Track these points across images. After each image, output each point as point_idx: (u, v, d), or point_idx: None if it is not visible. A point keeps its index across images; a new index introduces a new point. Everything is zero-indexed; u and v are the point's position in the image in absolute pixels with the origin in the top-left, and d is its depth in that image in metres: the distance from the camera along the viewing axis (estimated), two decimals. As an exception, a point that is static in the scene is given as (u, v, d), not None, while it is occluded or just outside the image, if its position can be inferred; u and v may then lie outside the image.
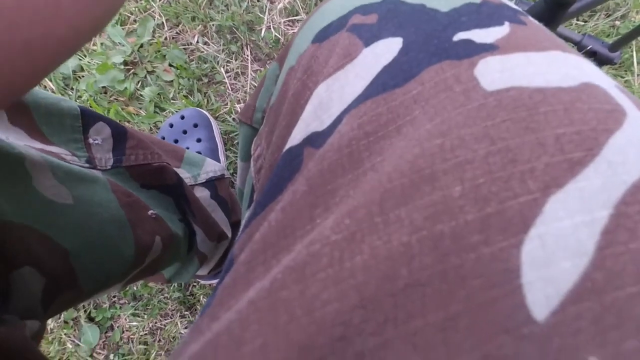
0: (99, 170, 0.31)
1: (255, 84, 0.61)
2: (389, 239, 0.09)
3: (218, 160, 0.56)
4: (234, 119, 0.60)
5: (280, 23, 0.62)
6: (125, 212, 0.30)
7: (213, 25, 0.62)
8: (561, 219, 0.09)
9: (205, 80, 0.62)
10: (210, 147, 0.56)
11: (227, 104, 0.61)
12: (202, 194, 0.44)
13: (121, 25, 0.62)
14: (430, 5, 0.14)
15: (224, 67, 0.62)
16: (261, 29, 0.62)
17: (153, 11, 0.63)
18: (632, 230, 0.08)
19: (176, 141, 0.56)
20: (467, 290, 0.08)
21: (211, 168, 0.47)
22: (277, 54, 0.22)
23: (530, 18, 0.14)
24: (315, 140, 0.13)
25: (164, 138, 0.56)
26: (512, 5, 0.14)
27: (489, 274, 0.08)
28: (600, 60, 0.58)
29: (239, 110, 0.60)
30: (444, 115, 0.11)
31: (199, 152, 0.55)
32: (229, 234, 0.48)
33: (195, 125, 0.56)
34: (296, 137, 0.14)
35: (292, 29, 0.62)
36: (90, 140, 0.31)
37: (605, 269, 0.08)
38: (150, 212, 0.33)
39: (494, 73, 0.11)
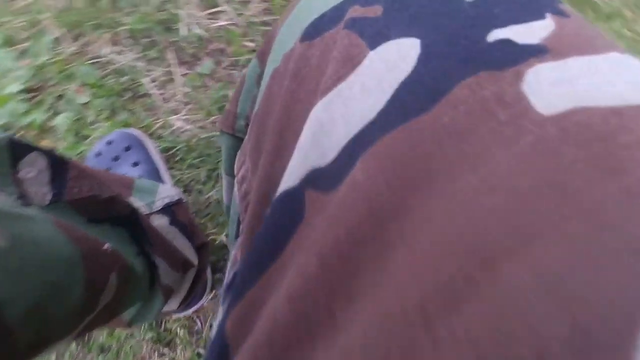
0: (37, 207, 0.27)
1: (189, 89, 0.55)
2: None
3: (162, 182, 0.51)
4: (170, 132, 0.54)
5: (200, 17, 0.56)
6: (78, 247, 0.26)
7: (123, 30, 0.55)
8: None
9: (128, 94, 0.54)
10: (150, 169, 0.50)
11: (159, 118, 0.55)
12: (159, 221, 0.41)
13: (9, 47, 0.53)
14: None
15: (146, 77, 0.55)
16: (179, 28, 0.56)
17: (45, 24, 0.54)
18: None
19: (108, 170, 0.50)
20: None
21: (166, 193, 0.43)
22: (259, 50, 0.18)
23: (568, 5, 0.11)
24: (318, 180, 0.10)
25: None
26: None
27: None
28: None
29: (173, 123, 0.54)
30: (492, 162, 0.08)
31: (141, 178, 0.49)
32: (195, 261, 0.44)
33: (128, 149, 0.50)
34: (293, 174, 0.11)
35: (214, 22, 0.56)
36: (21, 175, 0.27)
37: None
38: (106, 246, 0.30)
39: (549, 88, 0.08)
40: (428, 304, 0.07)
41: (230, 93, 0.55)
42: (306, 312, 0.09)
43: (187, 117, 0.55)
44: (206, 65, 0.55)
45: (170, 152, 0.54)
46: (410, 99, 0.09)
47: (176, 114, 0.55)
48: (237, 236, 0.16)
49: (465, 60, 0.09)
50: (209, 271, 0.53)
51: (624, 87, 0.08)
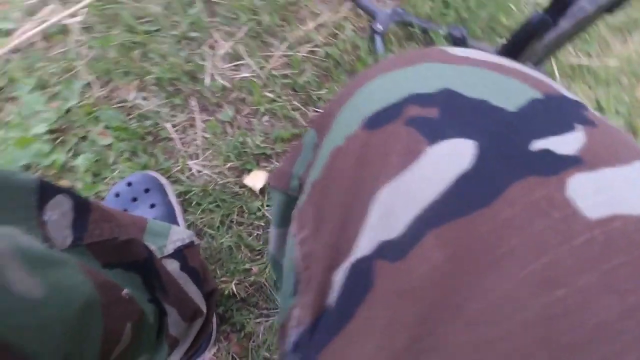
0: (58, 250, 0.27)
1: (207, 136, 0.57)
2: None
3: (177, 225, 0.50)
4: (188, 177, 0.55)
5: (224, 69, 0.59)
6: (99, 293, 0.26)
7: (151, 78, 0.58)
8: None
9: (150, 138, 0.56)
10: (167, 212, 0.50)
11: (177, 161, 0.56)
12: (170, 266, 0.39)
13: (40, 90, 0.55)
14: (494, 103, 0.12)
15: (169, 122, 0.57)
16: (204, 78, 0.59)
17: (78, 70, 0.57)
18: None
19: (125, 211, 0.50)
20: None
21: (178, 236, 0.42)
22: (314, 118, 0.21)
23: (592, 110, 0.13)
24: (386, 251, 0.12)
25: None
26: (572, 95, 0.13)
27: None
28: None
29: (191, 167, 0.55)
30: (550, 253, 0.09)
31: (155, 219, 0.49)
32: (204, 309, 0.42)
33: (147, 190, 0.50)
34: (366, 246, 0.12)
35: (237, 74, 0.60)
36: (45, 218, 0.27)
37: None
38: (124, 292, 0.29)
39: (591, 195, 0.10)
40: None
41: (249, 140, 0.56)
42: None
43: (204, 162, 0.56)
44: (227, 112, 0.58)
45: (187, 196, 0.54)
46: (472, 192, 0.11)
47: (195, 158, 0.56)
48: (294, 292, 0.16)
49: (515, 165, 0.11)
50: (214, 321, 0.51)
51: None
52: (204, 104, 0.58)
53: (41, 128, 0.52)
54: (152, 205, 0.50)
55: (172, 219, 0.50)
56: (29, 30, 0.56)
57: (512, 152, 0.11)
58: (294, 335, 0.14)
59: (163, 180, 0.52)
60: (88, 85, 0.57)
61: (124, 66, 0.57)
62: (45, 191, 0.27)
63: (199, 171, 0.55)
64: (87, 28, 0.59)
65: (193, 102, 0.58)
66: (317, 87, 0.60)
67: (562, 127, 0.12)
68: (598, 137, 0.12)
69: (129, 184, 0.50)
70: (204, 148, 0.56)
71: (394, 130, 0.13)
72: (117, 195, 0.50)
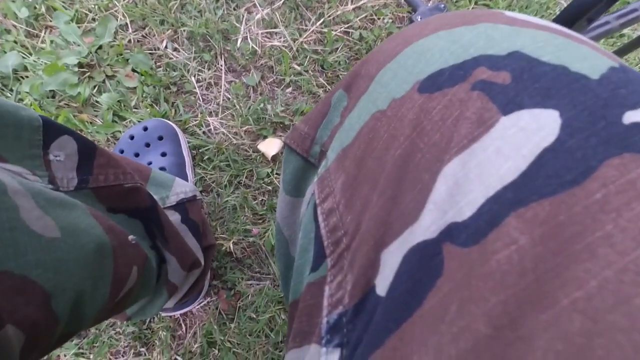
0: (63, 192, 0.26)
1: (229, 96, 0.57)
2: None
3: (185, 177, 0.51)
4: (204, 132, 0.56)
5: (257, 34, 0.60)
6: (109, 237, 0.26)
7: (184, 30, 0.58)
8: None
9: (174, 89, 0.57)
10: (177, 162, 0.51)
11: (197, 115, 0.56)
12: (172, 217, 0.40)
13: (77, 23, 0.56)
14: (574, 69, 0.11)
15: (195, 76, 0.57)
16: (237, 39, 0.59)
17: (116, 10, 0.57)
18: None
19: (137, 155, 0.50)
20: None
21: (181, 189, 0.43)
22: (342, 79, 0.18)
23: None
24: (457, 234, 0.10)
25: (122, 152, 0.50)
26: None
27: None
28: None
29: (210, 122, 0.56)
30: None
31: (163, 168, 0.50)
32: (202, 261, 0.43)
33: (160, 138, 0.51)
34: (430, 227, 0.11)
35: (269, 41, 0.60)
36: (51, 157, 0.26)
37: None
38: (130, 237, 0.29)
39: None
40: None
41: (270, 108, 0.57)
42: None
43: (222, 121, 0.56)
44: (253, 77, 0.58)
45: (200, 150, 0.55)
46: (559, 169, 0.10)
47: (214, 115, 0.56)
48: (314, 266, 0.15)
49: (607, 140, 0.10)
50: (209, 276, 0.52)
51: None
52: (232, 64, 0.59)
53: (72, 60, 0.53)
54: (164, 154, 0.50)
55: (181, 171, 0.51)
56: (75, -36, 0.57)
57: (602, 125, 0.10)
58: (333, 315, 0.13)
59: (178, 131, 0.53)
60: (123, 26, 0.57)
61: (161, 15, 0.58)
62: (50, 130, 0.26)
63: (216, 128, 0.56)
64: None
65: (221, 61, 0.59)
66: (345, 68, 0.60)
67: None
68: None
69: (145, 129, 0.51)
70: (224, 107, 0.57)
71: (460, 94, 0.12)
72: (132, 137, 0.51)
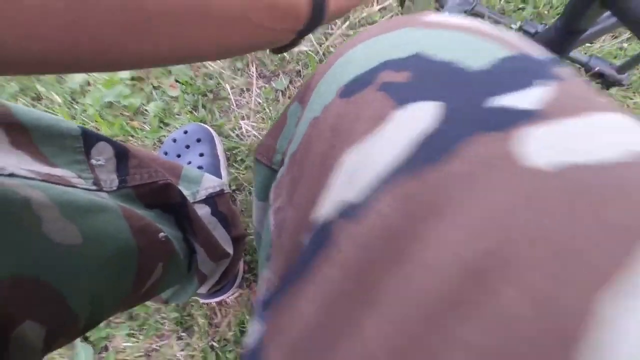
0: (106, 192, 0.30)
1: (260, 100, 0.61)
2: None
3: (219, 176, 0.56)
4: (237, 135, 0.60)
5: (286, 41, 0.63)
6: (136, 241, 0.29)
7: (220, 42, 0.63)
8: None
9: (210, 96, 0.62)
10: (213, 163, 0.56)
11: (231, 120, 0.61)
12: (202, 211, 0.43)
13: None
14: (460, 64, 0.13)
15: (229, 84, 0.62)
16: (267, 47, 0.63)
17: (161, 28, 0.64)
18: None
19: (179, 156, 0.56)
20: None
21: (210, 184, 0.46)
22: (299, 94, 0.20)
23: (566, 69, 0.13)
24: (347, 211, 0.12)
25: (166, 153, 0.56)
26: (544, 56, 0.13)
27: None
28: (607, 82, 0.57)
29: (243, 126, 0.60)
30: (493, 199, 0.09)
31: (201, 167, 0.54)
32: (231, 251, 0.46)
33: (199, 140, 0.56)
34: (326, 208, 0.13)
35: (297, 47, 0.63)
36: (93, 161, 0.29)
37: None
38: (161, 235, 0.32)
39: (542, 147, 0.10)
40: (437, 310, 0.09)
41: (297, 110, 0.59)
42: (332, 316, 0.11)
43: (254, 124, 0.60)
44: (281, 81, 0.61)
45: (234, 151, 0.59)
46: (427, 149, 0.11)
47: (246, 119, 0.60)
48: (267, 259, 0.17)
49: (469, 123, 0.11)
50: (241, 265, 0.55)
51: (600, 147, 0.10)
52: (262, 71, 0.63)
53: (126, 74, 0.61)
54: (201, 154, 0.55)
55: (216, 170, 0.55)
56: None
57: (467, 110, 0.11)
58: (264, 296, 0.15)
59: (214, 134, 0.58)
60: (167, 42, 0.64)
61: (199, 29, 0.63)
62: (88, 138, 0.29)
63: (248, 131, 0.60)
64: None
65: (252, 68, 0.63)
66: (370, 68, 0.61)
67: (525, 83, 0.12)
68: (564, 91, 0.11)
69: (185, 132, 0.56)
70: (255, 111, 0.61)
71: (367, 96, 0.13)
72: (174, 140, 0.56)
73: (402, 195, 0.11)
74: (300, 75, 0.62)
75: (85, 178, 0.28)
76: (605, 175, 0.09)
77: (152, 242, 0.31)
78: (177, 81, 0.62)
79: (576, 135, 0.10)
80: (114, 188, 0.31)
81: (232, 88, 0.62)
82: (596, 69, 0.56)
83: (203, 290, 0.49)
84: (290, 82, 0.62)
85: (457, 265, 0.09)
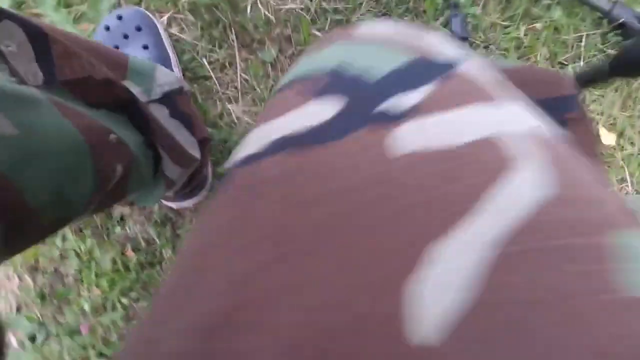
0: (34, 87, 0.24)
1: (247, 77, 0.52)
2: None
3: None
4: (227, 123, 0.52)
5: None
6: (84, 137, 0.25)
7: (185, 3, 0.50)
8: (442, 261, 0.09)
9: (189, 74, 0.52)
10: (161, 56, 0.46)
11: (216, 104, 0.52)
12: (159, 112, 0.36)
13: (65, 8, 0.49)
14: (365, 77, 0.15)
15: (206, 58, 0.51)
16: (246, 6, 0.51)
17: (104, -14, 0.50)
18: (511, 266, 0.09)
19: (116, 47, 0.46)
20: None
21: (166, 79, 0.38)
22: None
23: (468, 65, 0.15)
24: (249, 160, 0.15)
25: None
26: (445, 59, 0.15)
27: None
28: (628, 33, 0.53)
29: (232, 111, 0.52)
30: (345, 181, 0.12)
31: (136, 57, 0.43)
32: (197, 155, 0.41)
33: (139, 29, 0.46)
34: (235, 159, 0.16)
35: (283, 4, 0.52)
36: (2, 47, 0.23)
37: (486, 301, 0.08)
38: (111, 136, 0.28)
39: (406, 138, 0.12)
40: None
41: (293, 87, 0.52)
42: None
43: (244, 107, 0.52)
44: (269, 51, 0.52)
45: (227, 144, 0.52)
46: (319, 134, 0.14)
47: (234, 102, 0.52)
48: None
49: (358, 120, 0.14)
50: (209, 168, 0.51)
51: (449, 136, 0.12)
52: (245, 38, 0.52)
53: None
54: (145, 47, 0.46)
55: (167, 66, 0.46)
56: None
57: (361, 110, 0.14)
58: None
59: (156, 20, 0.48)
60: (114, 5, 0.50)
61: (156, -16, 0.50)
62: None
63: (238, 117, 0.52)
64: None
65: (232, 35, 0.52)
66: (372, 29, 0.52)
67: (413, 85, 0.14)
68: (442, 91, 0.14)
69: (119, 17, 0.45)
70: (243, 92, 0.52)
71: (287, 94, 0.17)
72: (107, 29, 0.45)
73: (293, 160, 0.13)
74: (291, 42, 0.52)
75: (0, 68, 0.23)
76: (442, 156, 0.11)
77: (103, 143, 0.27)
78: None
79: (437, 126, 0.12)
80: (39, 83, 0.25)
81: (210, 63, 0.52)
82: (620, 20, 0.51)
83: (170, 193, 0.46)
84: (280, 50, 0.52)
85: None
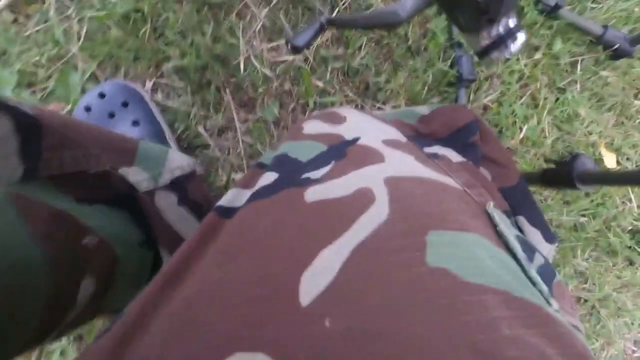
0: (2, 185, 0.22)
1: (249, 141, 0.48)
2: None
3: (167, 147, 0.42)
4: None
5: (262, 50, 0.47)
6: (45, 247, 0.21)
7: (170, 66, 0.45)
8: (320, 264, 0.15)
9: (184, 144, 0.46)
10: (154, 131, 0.41)
11: (220, 174, 0.47)
12: (166, 200, 0.33)
13: (28, 87, 0.42)
14: (299, 159, 0.22)
15: (202, 124, 0.46)
16: (239, 62, 0.46)
17: (72, 57, 0.43)
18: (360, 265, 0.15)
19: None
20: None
21: (177, 163, 0.35)
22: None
23: (359, 144, 0.21)
24: (225, 212, 0.20)
25: None
26: (353, 136, 0.22)
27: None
28: (617, 54, 0.54)
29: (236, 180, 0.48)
30: (271, 218, 0.18)
31: (145, 140, 0.40)
32: None
33: (125, 104, 0.41)
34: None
35: (279, 56, 0.47)
36: None
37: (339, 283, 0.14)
38: (86, 240, 0.24)
39: (312, 194, 0.18)
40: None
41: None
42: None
43: (251, 172, 0.48)
44: (270, 109, 0.48)
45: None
46: (263, 192, 0.20)
47: (240, 170, 0.48)
48: None
49: (286, 183, 0.20)
50: None
51: (336, 191, 0.18)
52: (241, 98, 0.47)
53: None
54: (136, 123, 0.41)
55: (162, 140, 0.42)
56: (-15, -5, 0.40)
57: (290, 179, 0.20)
58: None
59: (142, 91, 0.43)
60: (90, 77, 0.43)
61: (132, 49, 0.43)
62: None
63: (247, 185, 0.48)
64: (67, -12, 0.43)
65: (226, 96, 0.47)
66: (376, 72, 0.49)
67: (323, 164, 0.20)
68: (338, 166, 0.20)
69: (102, 95, 0.40)
70: (248, 156, 0.48)
71: (251, 170, 0.23)
72: (88, 109, 0.40)
73: (250, 209, 0.19)
74: (292, 95, 0.49)
75: None
76: (336, 201, 0.17)
77: (70, 249, 0.23)
78: (127, 135, 0.44)
79: (336, 185, 0.18)
80: (16, 178, 0.22)
81: (207, 130, 0.47)
82: (612, 46, 0.52)
83: None
84: (281, 106, 0.48)
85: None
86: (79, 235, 0.23)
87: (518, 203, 0.24)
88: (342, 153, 0.20)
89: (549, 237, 0.24)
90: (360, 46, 0.49)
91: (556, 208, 0.50)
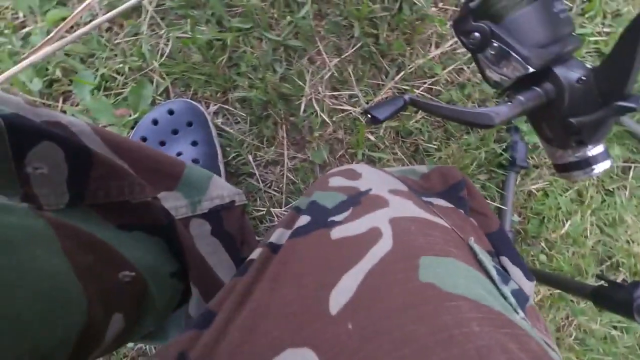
0: (48, 212, 0.21)
1: (296, 179, 0.49)
2: None
3: (217, 170, 0.43)
4: (267, 228, 0.48)
5: (324, 96, 0.49)
6: (82, 286, 0.20)
7: (235, 97, 0.47)
8: (343, 287, 0.19)
9: (230, 169, 0.48)
10: (209, 153, 0.42)
11: (257, 203, 0.48)
12: (199, 229, 0.32)
13: (104, 92, 0.44)
14: (326, 205, 0.25)
15: (252, 154, 0.48)
16: (300, 103, 0.48)
17: (151, 70, 0.45)
18: (374, 289, 0.19)
19: (162, 144, 0.42)
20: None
21: (218, 192, 0.34)
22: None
23: (370, 194, 0.25)
24: (272, 246, 0.25)
25: (145, 139, 0.41)
26: (366, 187, 0.27)
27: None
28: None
29: (275, 215, 0.48)
30: (311, 256, 0.22)
31: (197, 160, 0.41)
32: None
33: (190, 124, 0.42)
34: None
35: (339, 104, 0.49)
36: (29, 170, 0.21)
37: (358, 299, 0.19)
38: (122, 274, 0.24)
39: (336, 232, 0.22)
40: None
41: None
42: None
43: (286, 212, 0.49)
44: (320, 152, 0.49)
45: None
46: (300, 230, 0.24)
47: (277, 207, 0.48)
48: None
49: (316, 225, 0.24)
50: None
51: (355, 230, 0.22)
52: (295, 137, 0.49)
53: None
54: (194, 143, 0.42)
55: (213, 162, 0.43)
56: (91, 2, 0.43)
57: (320, 221, 0.24)
58: None
59: (206, 114, 0.44)
60: (163, 91, 0.46)
61: (206, 74, 0.46)
62: (22, 136, 0.21)
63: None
64: (162, 10, 0.46)
65: (282, 132, 0.48)
66: (429, 138, 0.50)
67: (343, 210, 0.24)
68: (356, 211, 0.24)
69: (171, 112, 0.42)
70: (288, 192, 0.48)
71: (290, 213, 0.27)
72: (155, 122, 0.41)
73: (291, 245, 0.24)
74: (343, 143, 0.50)
75: (10, 194, 0.20)
76: (353, 237, 0.22)
77: (106, 287, 0.23)
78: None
79: (354, 225, 0.22)
80: (61, 206, 0.23)
81: (256, 160, 0.48)
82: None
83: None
84: (330, 151, 0.49)
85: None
86: (116, 268, 0.23)
87: (500, 246, 0.29)
88: (358, 201, 0.25)
89: (528, 276, 0.28)
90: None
91: (589, 313, 0.48)
